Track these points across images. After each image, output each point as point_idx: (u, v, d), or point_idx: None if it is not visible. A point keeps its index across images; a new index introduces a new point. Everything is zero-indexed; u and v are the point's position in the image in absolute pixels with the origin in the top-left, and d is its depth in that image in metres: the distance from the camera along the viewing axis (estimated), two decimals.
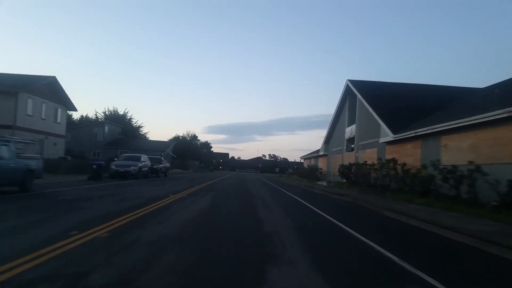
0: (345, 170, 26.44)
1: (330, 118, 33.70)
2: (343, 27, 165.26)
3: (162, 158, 32.09)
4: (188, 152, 74.31)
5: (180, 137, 77.12)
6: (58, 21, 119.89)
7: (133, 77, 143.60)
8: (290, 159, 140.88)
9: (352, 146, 28.25)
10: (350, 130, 28.87)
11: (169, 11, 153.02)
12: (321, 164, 38.52)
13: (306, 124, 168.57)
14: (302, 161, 57.95)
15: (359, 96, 25.77)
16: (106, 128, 62.65)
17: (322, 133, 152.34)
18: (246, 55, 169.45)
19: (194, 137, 79.72)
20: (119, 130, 67.60)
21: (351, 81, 28.47)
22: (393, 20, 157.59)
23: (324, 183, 30.28)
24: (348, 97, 30.16)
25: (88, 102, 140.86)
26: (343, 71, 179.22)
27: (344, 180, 26.72)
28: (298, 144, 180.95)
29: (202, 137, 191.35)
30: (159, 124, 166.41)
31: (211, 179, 32.46)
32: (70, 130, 62.38)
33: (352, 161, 26.51)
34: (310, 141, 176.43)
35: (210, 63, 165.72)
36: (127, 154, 27.16)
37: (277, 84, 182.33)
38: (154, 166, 28.87)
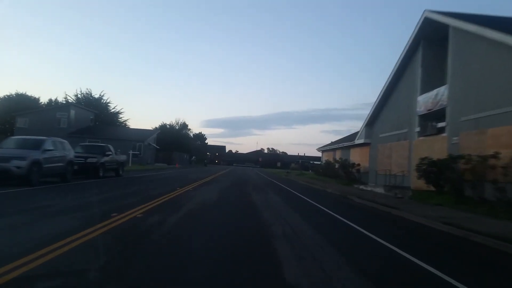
0: (432, 169, 14.16)
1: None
2: (345, 22, 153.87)
3: (110, 147, 19.54)
4: (176, 143, 61.89)
5: (167, 126, 64.60)
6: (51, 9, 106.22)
7: (130, 70, 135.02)
8: (289, 153, 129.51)
9: (439, 125, 15.91)
10: (430, 99, 16.51)
11: (166, 4, 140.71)
12: (357, 157, 26.28)
13: (304, 118, 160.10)
14: (319, 154, 45.69)
15: (470, 28, 13.40)
16: (72, 112, 50.21)
17: (321, 127, 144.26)
18: (243, 49, 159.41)
19: (184, 125, 67.32)
20: (91, 116, 55.46)
21: (439, 13, 16.04)
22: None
23: (380, 190, 17.93)
24: (421, 45, 17.80)
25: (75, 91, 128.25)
26: (341, 67, 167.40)
27: (431, 188, 14.47)
28: (296, 139, 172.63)
29: (199, 131, 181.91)
30: (153, 117, 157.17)
31: (194, 181, 20.36)
32: (27, 115, 50.24)
33: (444, 152, 14.26)
34: (308, 135, 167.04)
35: (207, 57, 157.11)
36: (20, 137, 14.75)
37: (275, 78, 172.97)
38: (89, 160, 16.49)
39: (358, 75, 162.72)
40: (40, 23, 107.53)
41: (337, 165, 28.17)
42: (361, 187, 20.47)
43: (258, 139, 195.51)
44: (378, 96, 22.06)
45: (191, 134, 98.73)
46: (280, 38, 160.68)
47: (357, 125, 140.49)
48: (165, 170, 35.64)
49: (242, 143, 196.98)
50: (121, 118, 63.48)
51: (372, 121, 23.41)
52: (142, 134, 52.38)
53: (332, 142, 36.13)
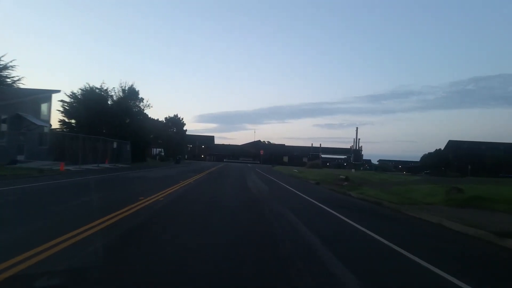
0: None
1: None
2: (339, 16, 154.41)
3: None
4: (110, 122, 32.31)
5: (97, 90, 34.45)
6: None
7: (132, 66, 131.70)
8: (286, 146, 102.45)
9: None
10: None
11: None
12: None
13: (297, 112, 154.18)
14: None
15: None
16: None
17: (313, 121, 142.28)
18: (235, 44, 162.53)
19: (132, 93, 36.69)
20: None
21: None
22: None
23: None
24: None
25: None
26: (333, 60, 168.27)
27: None
28: (289, 133, 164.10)
29: (193, 127, 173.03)
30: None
31: None
32: None
33: None
34: (301, 129, 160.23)
35: (200, 52, 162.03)
36: None
37: (268, 72, 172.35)
38: None
39: (349, 68, 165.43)
40: None
41: None
42: None
43: (252, 133, 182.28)
44: None
45: (163, 119, 68.88)
46: (273, 33, 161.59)
47: (349, 119, 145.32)
48: None
49: (235, 138, 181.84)
50: (9, 75, 33.32)
51: None
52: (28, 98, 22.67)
53: None
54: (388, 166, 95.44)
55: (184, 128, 71.80)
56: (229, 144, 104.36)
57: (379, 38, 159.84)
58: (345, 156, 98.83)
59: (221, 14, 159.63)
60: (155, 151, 49.74)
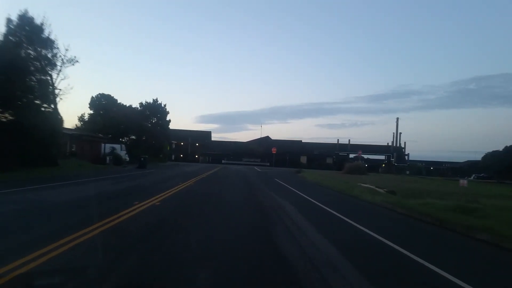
0: None
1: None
2: (337, 15, 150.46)
3: None
4: None
5: None
6: None
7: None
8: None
9: None
10: None
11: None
12: None
13: (298, 112, 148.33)
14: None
15: None
16: None
17: (315, 121, 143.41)
18: (235, 44, 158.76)
19: (28, 29, 18.34)
20: None
21: None
22: None
23: None
24: None
25: None
26: (332, 60, 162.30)
27: None
28: (290, 133, 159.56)
29: (194, 127, 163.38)
30: None
31: None
32: None
33: None
34: (303, 129, 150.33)
35: (201, 52, 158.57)
36: None
37: (268, 72, 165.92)
38: None
39: (349, 68, 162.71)
40: None
41: None
42: None
43: (254, 133, 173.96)
44: None
45: (138, 106, 49.55)
46: (273, 33, 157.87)
47: (350, 118, 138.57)
48: None
49: (237, 138, 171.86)
50: None
51: None
52: None
53: None
54: (420, 169, 75.00)
55: (168, 118, 52.41)
56: (229, 141, 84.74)
57: (379, 38, 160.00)
58: (353, 155, 79.69)
59: (222, 13, 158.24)
60: (105, 147, 30.43)
